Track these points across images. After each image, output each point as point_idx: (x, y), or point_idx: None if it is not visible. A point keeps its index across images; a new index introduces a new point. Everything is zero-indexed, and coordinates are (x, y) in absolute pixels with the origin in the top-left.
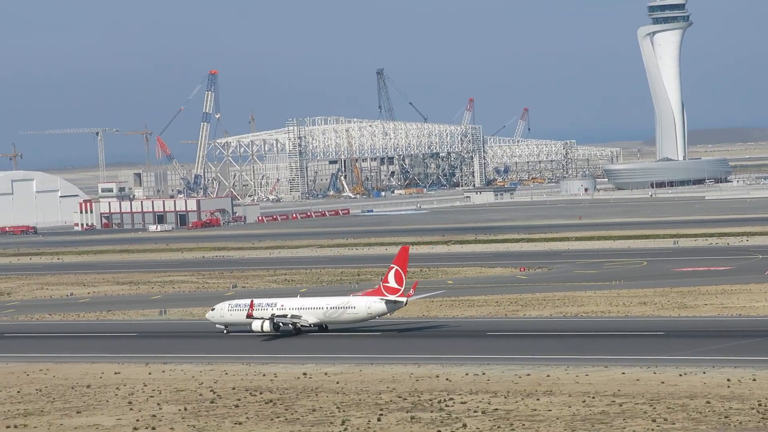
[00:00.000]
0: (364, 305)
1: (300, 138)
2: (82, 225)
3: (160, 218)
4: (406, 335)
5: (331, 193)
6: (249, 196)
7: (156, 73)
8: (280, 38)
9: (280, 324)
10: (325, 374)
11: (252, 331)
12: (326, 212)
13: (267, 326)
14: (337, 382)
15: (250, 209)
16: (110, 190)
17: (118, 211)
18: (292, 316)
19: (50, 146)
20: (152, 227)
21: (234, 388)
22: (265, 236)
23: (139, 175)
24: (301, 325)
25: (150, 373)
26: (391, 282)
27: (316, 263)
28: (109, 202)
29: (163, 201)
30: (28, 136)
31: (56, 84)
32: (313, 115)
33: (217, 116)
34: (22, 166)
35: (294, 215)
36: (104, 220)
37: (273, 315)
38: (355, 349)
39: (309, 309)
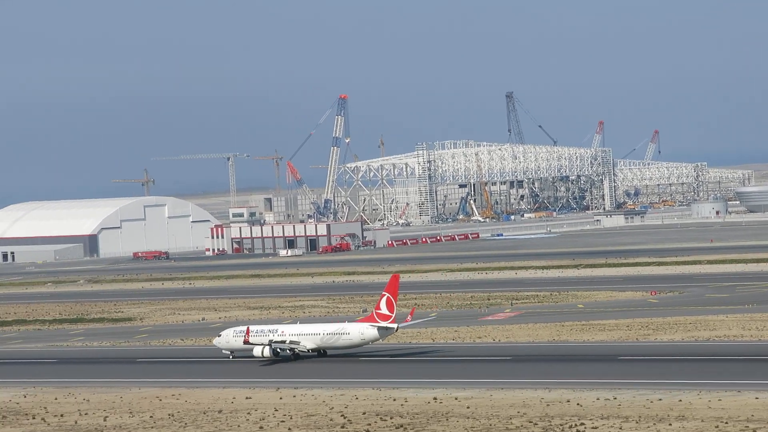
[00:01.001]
0: (357, 331)
1: (429, 162)
2: (214, 250)
3: (291, 243)
4: (535, 359)
5: (461, 217)
6: (379, 220)
7: (286, 98)
8: (409, 62)
9: (278, 350)
10: (456, 399)
11: (253, 357)
12: (456, 236)
13: (266, 352)
14: (468, 407)
15: (380, 233)
16: (241, 215)
17: (249, 236)
18: (291, 342)
19: (182, 172)
20: (283, 252)
21: (365, 413)
22: (394, 260)
23: (269, 200)
24: (299, 351)
25: (281, 398)
26: (383, 309)
27: (446, 287)
28: (240, 227)
29: (294, 226)
30: (159, 161)
31: (187, 109)
32: (442, 139)
33: (347, 140)
34: (154, 191)
35: (423, 239)
36: (235, 245)
37: (270, 341)
38: (485, 373)
39: (307, 335)
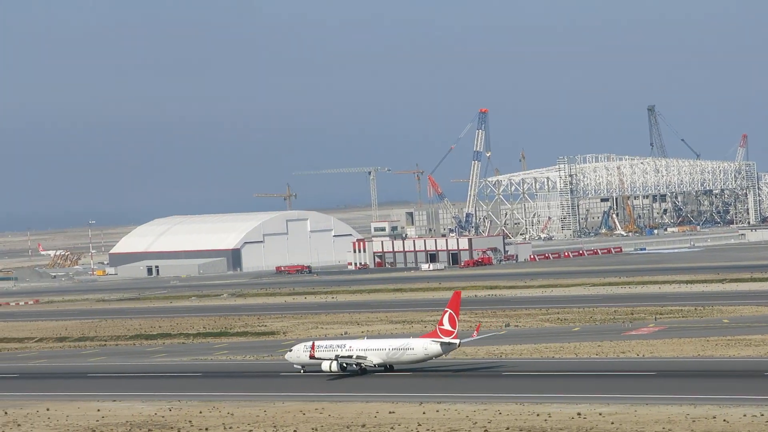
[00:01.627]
0: (421, 347)
1: (571, 176)
2: (356, 264)
3: (432, 257)
4: (680, 374)
5: (603, 231)
6: (520, 234)
7: (427, 113)
8: (548, 76)
9: (344, 365)
10: (600, 414)
11: (321, 371)
12: (598, 250)
13: (334, 367)
14: (612, 423)
15: (522, 247)
16: (383, 229)
17: (391, 250)
18: (357, 357)
19: (323, 186)
20: (424, 266)
21: (508, 428)
22: (537, 275)
23: (411, 214)
24: (366, 366)
25: (424, 413)
26: (446, 325)
27: (589, 302)
28: (382, 241)
29: (435, 240)
30: (301, 176)
31: (329, 124)
32: (584, 152)
33: (488, 154)
34: (296, 206)
35: (566, 253)
36: (377, 259)
37: (337, 356)
38: (629, 388)
39: (373, 350)
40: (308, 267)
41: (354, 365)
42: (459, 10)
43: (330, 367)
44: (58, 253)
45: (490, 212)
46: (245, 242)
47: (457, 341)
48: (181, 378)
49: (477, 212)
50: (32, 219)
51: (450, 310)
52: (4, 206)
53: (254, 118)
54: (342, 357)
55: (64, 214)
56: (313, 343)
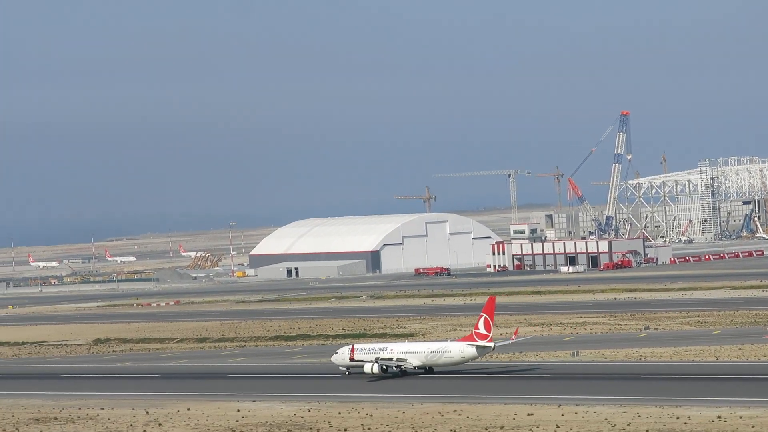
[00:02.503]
0: (458, 350)
1: (713, 179)
2: (495, 266)
3: (572, 260)
4: None
5: (745, 234)
6: (661, 237)
7: (567, 114)
8: (690, 77)
9: (385, 366)
10: (740, 418)
11: (364, 373)
12: (739, 253)
13: (375, 368)
14: (752, 426)
15: (662, 250)
16: (522, 232)
17: (530, 252)
18: (398, 359)
19: (463, 188)
20: (564, 269)
21: (647, 431)
22: (677, 277)
23: (550, 217)
24: (406, 368)
25: (563, 415)
26: (481, 329)
27: (730, 305)
28: (521, 244)
29: (575, 242)
30: (441, 178)
31: (469, 126)
32: (725, 155)
33: (629, 157)
34: (435, 208)
35: (706, 256)
36: (516, 262)
37: (377, 358)
38: None
39: (413, 353)
40: (447, 269)
41: (394, 367)
42: (597, 12)
43: (372, 369)
44: (198, 254)
45: (630, 215)
46: (384, 244)
47: (491, 344)
48: (321, 379)
49: (617, 215)
50: (174, 221)
51: (485, 315)
52: (147, 208)
53: (396, 121)
54: (382, 359)
55: (205, 216)
56: (353, 346)
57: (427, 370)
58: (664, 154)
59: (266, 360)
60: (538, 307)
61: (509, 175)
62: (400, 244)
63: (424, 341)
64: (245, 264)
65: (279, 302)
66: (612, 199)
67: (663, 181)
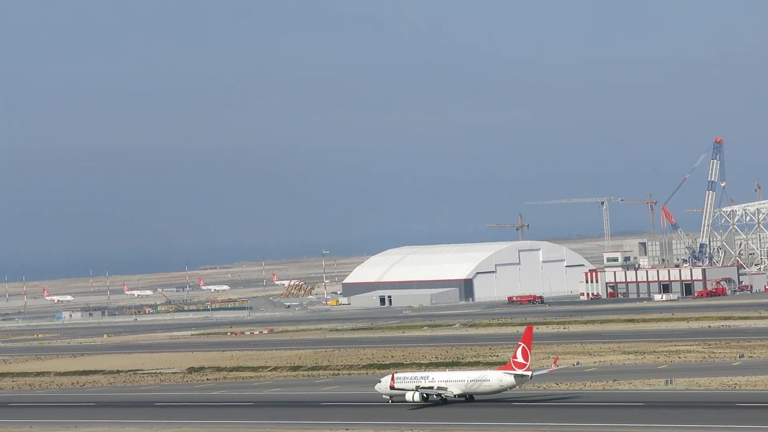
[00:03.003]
0: (496, 378)
1: None
2: (588, 294)
3: (665, 287)
4: None
5: None
6: (755, 264)
7: (659, 143)
8: None
9: (426, 394)
10: None
11: (405, 401)
12: None
13: (416, 397)
14: None
15: (757, 278)
16: (615, 260)
17: (624, 280)
18: (438, 388)
19: (555, 216)
20: (657, 296)
21: None
22: None
23: (643, 244)
24: (446, 396)
25: None
26: (519, 358)
27: None
28: (615, 272)
29: (668, 270)
30: (533, 206)
31: (561, 154)
32: None
33: (722, 184)
34: (528, 236)
35: None
36: (609, 290)
37: (417, 387)
38: None
39: (453, 381)
40: (540, 297)
41: (434, 395)
42: (687, 41)
43: (413, 397)
44: (291, 282)
45: (724, 242)
46: (477, 272)
47: (529, 373)
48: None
49: (711, 242)
50: (268, 249)
51: (523, 344)
52: (238, 238)
53: (489, 150)
54: (422, 387)
55: (298, 245)
56: (393, 374)
57: (467, 398)
58: (759, 181)
59: (359, 388)
60: (632, 336)
61: (602, 203)
62: (493, 272)
63: (465, 371)
64: (338, 292)
65: (372, 330)
66: (706, 227)
67: (757, 208)
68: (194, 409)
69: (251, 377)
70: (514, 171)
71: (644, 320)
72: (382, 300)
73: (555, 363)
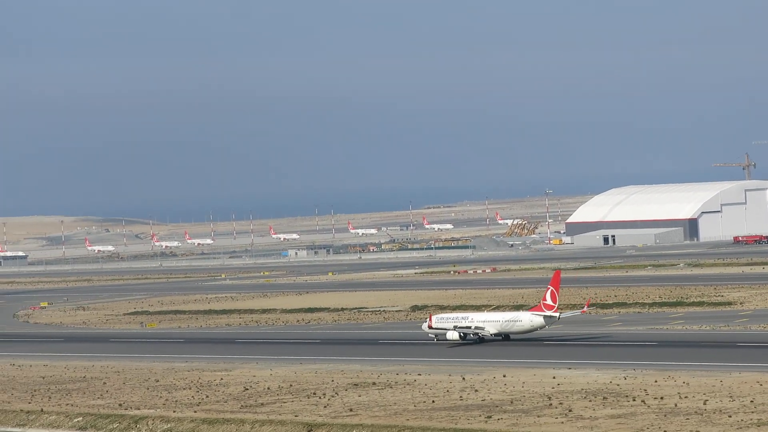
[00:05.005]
0: (528, 319)
1: None
2: None
3: None
4: None
5: None
6: None
7: None
8: None
9: (463, 333)
10: None
11: (447, 340)
12: None
13: (455, 336)
14: None
15: None
16: None
17: None
18: (476, 328)
19: None
20: None
21: None
22: None
23: None
24: (483, 335)
25: None
26: (548, 300)
27: None
28: None
29: None
30: (761, 146)
31: None
32: None
33: None
34: (755, 175)
35: None
36: None
37: (455, 326)
38: None
39: (490, 321)
40: (766, 237)
41: (472, 335)
42: None
43: (453, 336)
44: (515, 222)
45: None
46: (702, 212)
47: (557, 314)
48: (637, 347)
49: None
50: (492, 188)
51: (551, 288)
52: (461, 181)
53: (714, 88)
54: (460, 327)
55: (522, 184)
56: (431, 315)
57: (504, 337)
58: None
59: (582, 327)
60: None
61: None
62: (719, 212)
63: (501, 312)
64: (561, 231)
65: (595, 270)
66: None
67: None
68: (417, 347)
69: None
70: (741, 109)
71: None
72: (606, 239)
73: (587, 305)
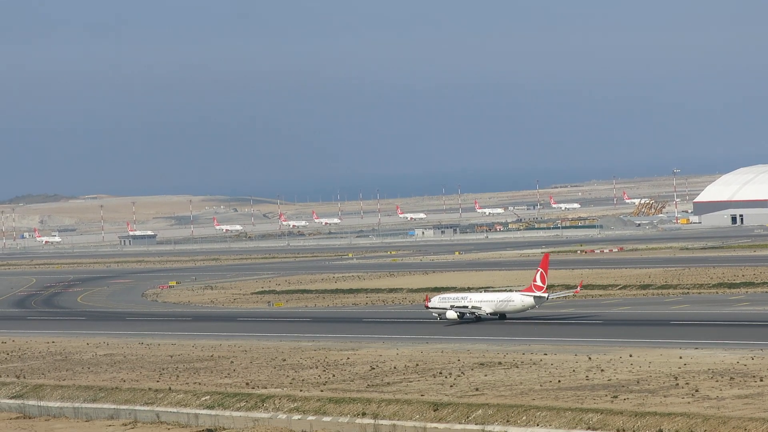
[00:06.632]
0: (519, 299)
1: None
2: None
3: None
4: None
5: None
6: None
7: None
8: None
9: (461, 313)
10: None
11: (447, 318)
12: None
13: (453, 315)
14: None
15: None
16: None
17: None
18: (473, 307)
19: None
20: None
21: None
22: None
23: None
24: (480, 315)
25: None
26: (538, 281)
27: None
28: None
29: None
30: None
31: None
32: None
33: None
34: None
35: None
36: None
37: (452, 306)
38: None
39: (486, 301)
40: None
41: (468, 314)
42: None
43: (452, 315)
44: (642, 201)
45: None
46: None
47: (546, 295)
48: (764, 327)
49: None
50: (619, 168)
51: (541, 270)
52: (589, 160)
53: None
54: (457, 307)
55: (650, 163)
56: (427, 295)
57: (500, 316)
58: None
59: (709, 307)
60: None
61: None
62: None
63: (496, 292)
64: (689, 211)
65: (723, 249)
66: None
67: None
68: (544, 327)
69: (600, 295)
70: None
71: None
72: (734, 218)
73: (580, 286)
